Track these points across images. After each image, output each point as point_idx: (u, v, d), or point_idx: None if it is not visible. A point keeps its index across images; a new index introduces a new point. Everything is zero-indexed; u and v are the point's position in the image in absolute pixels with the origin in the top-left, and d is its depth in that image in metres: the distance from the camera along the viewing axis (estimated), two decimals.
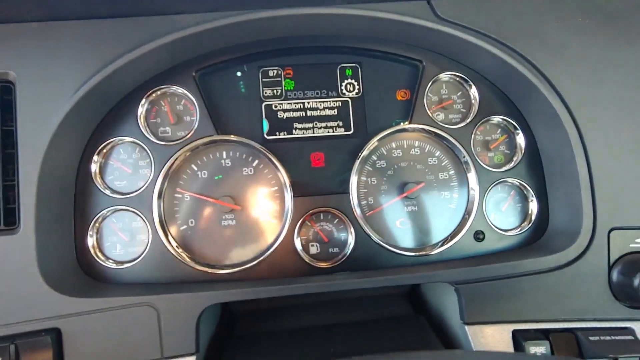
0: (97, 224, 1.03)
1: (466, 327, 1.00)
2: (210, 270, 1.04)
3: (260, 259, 1.06)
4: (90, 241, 1.02)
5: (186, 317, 0.93)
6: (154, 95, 1.07)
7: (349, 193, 1.09)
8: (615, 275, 1.00)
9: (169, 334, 0.92)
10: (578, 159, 1.00)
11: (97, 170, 1.04)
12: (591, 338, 0.98)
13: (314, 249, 1.10)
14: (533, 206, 1.13)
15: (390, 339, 1.08)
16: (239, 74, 1.12)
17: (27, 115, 0.91)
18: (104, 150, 1.05)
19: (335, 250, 1.10)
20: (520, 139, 1.14)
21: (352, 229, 1.09)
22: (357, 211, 1.09)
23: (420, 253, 1.10)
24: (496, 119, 1.15)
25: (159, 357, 0.91)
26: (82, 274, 1.00)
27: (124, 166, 1.06)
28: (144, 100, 1.06)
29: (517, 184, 1.14)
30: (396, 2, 1.03)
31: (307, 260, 1.08)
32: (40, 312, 0.88)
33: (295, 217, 1.07)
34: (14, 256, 0.88)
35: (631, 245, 1.00)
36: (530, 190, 1.13)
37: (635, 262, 0.99)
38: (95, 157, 1.04)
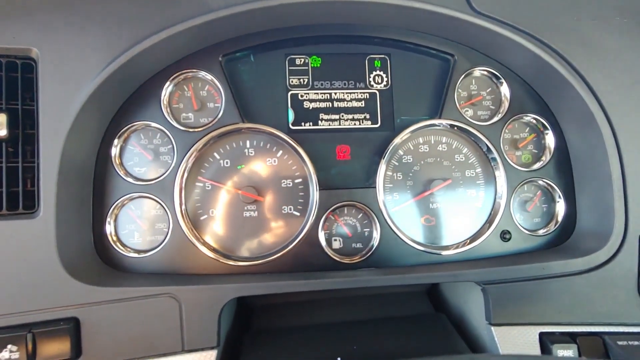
0: (115, 211, 1.00)
1: (492, 328, 0.98)
2: (231, 262, 1.01)
3: (282, 252, 1.03)
4: (108, 228, 0.99)
5: (209, 310, 0.90)
6: (178, 79, 1.03)
7: (375, 187, 1.06)
8: None
9: (190, 326, 0.89)
10: (612, 160, 0.98)
11: (117, 155, 1.00)
12: (619, 342, 0.96)
13: (336, 244, 1.07)
14: (560, 207, 1.12)
15: (412, 337, 1.06)
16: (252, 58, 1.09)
17: (49, 95, 0.87)
18: (125, 135, 1.01)
19: (359, 245, 1.08)
20: (550, 139, 1.12)
21: (378, 225, 1.06)
22: (383, 206, 1.06)
23: (446, 251, 1.07)
24: (526, 117, 1.12)
25: (180, 350, 0.89)
26: (100, 262, 0.97)
27: (144, 152, 1.02)
28: (168, 83, 1.02)
29: (545, 184, 1.12)
30: None
31: (330, 255, 1.05)
32: (58, 300, 0.84)
33: (320, 211, 1.04)
34: (32, 241, 0.84)
35: None
36: (558, 191, 1.11)
37: None
38: (115, 141, 1.00)
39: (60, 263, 0.84)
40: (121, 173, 1.00)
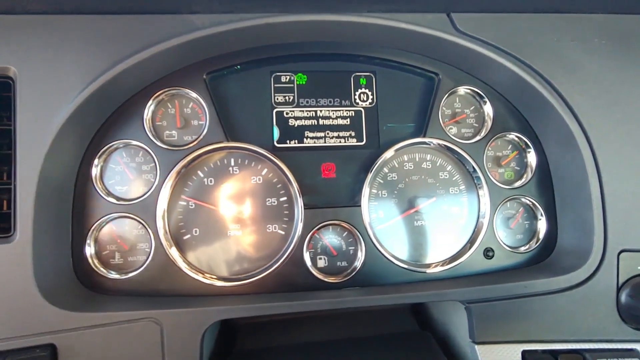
0: (95, 232, 0.98)
1: (476, 347, 0.99)
2: (215, 283, 1.00)
3: (267, 272, 1.02)
4: (89, 250, 0.96)
5: (191, 333, 0.88)
6: (161, 97, 1.02)
7: (360, 206, 1.06)
8: (623, 297, 1.00)
9: (172, 350, 0.87)
10: (591, 179, 1.00)
11: (98, 175, 0.98)
12: None
13: (321, 262, 1.07)
14: (541, 225, 1.13)
15: (397, 356, 1.06)
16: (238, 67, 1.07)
17: (27, 115, 0.85)
18: (106, 154, 0.99)
19: (344, 264, 1.07)
20: (532, 157, 1.14)
21: (362, 243, 1.06)
22: (368, 225, 1.06)
23: (431, 269, 1.08)
24: (509, 135, 1.14)
25: None
26: (79, 285, 0.94)
27: (126, 170, 1.00)
28: (150, 101, 1.00)
29: (527, 201, 1.14)
30: (416, 14, 1.01)
31: (315, 275, 1.04)
32: (34, 326, 0.82)
33: (305, 230, 1.04)
34: (8, 266, 0.81)
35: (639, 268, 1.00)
36: (540, 209, 1.13)
37: None
38: (96, 161, 0.98)
39: (36, 288, 0.82)
40: (102, 193, 0.98)
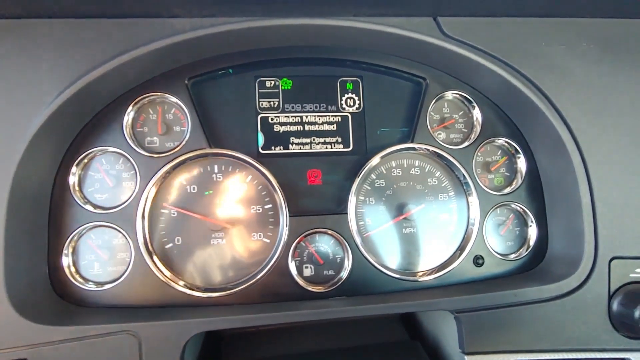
0: (73, 241, 0.95)
1: (466, 357, 0.96)
2: (197, 294, 0.97)
3: (251, 282, 0.99)
4: (66, 260, 0.93)
5: (171, 347, 0.85)
6: (141, 102, 0.99)
7: (347, 213, 1.04)
8: (615, 305, 0.98)
9: None
10: (581, 185, 0.98)
11: (76, 183, 0.96)
12: None
13: (307, 271, 1.04)
14: (532, 231, 1.11)
15: None
16: (230, 71, 1.05)
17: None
18: (84, 161, 0.97)
19: (331, 272, 1.05)
20: (521, 162, 1.12)
21: (349, 252, 1.03)
22: (355, 233, 1.04)
23: (419, 278, 1.06)
24: (498, 140, 1.12)
25: None
26: (55, 297, 0.91)
27: (106, 177, 0.97)
28: (130, 107, 0.98)
29: (517, 208, 1.12)
30: (402, 18, 0.99)
31: (301, 284, 1.01)
32: (5, 341, 0.79)
33: (290, 238, 1.01)
34: None
35: (631, 275, 0.99)
36: (530, 215, 1.11)
37: (636, 292, 0.97)
38: (73, 169, 0.95)
39: (8, 301, 0.79)
40: (80, 201, 0.95)
